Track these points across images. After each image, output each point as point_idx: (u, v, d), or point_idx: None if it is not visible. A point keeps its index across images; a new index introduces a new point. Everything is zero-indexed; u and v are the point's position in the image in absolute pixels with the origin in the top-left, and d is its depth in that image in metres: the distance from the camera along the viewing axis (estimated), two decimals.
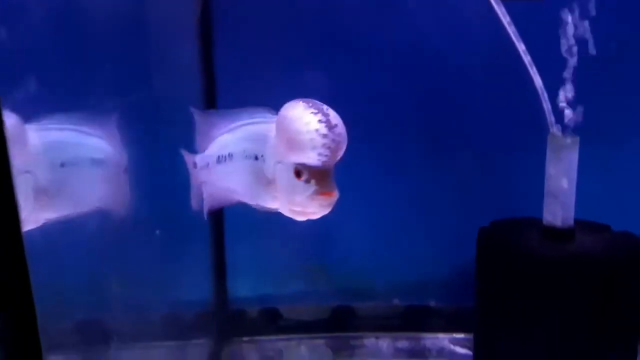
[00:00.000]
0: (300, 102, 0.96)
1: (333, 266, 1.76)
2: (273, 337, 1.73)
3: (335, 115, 0.96)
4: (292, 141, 0.95)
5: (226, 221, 1.71)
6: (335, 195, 0.96)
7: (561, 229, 1.33)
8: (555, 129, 1.32)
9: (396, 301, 1.79)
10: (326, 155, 0.93)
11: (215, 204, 1.15)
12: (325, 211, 0.98)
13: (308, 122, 0.92)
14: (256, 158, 1.02)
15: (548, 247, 1.33)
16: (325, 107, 0.97)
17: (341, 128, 0.95)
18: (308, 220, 1.75)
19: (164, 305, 1.62)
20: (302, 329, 1.74)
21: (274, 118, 1.01)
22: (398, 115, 1.65)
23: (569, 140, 1.31)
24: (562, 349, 1.32)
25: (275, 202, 1.03)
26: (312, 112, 0.93)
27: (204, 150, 1.15)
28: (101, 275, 1.59)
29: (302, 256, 1.71)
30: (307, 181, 0.94)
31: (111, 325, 1.58)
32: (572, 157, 1.32)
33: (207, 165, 1.13)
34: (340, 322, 1.76)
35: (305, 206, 0.96)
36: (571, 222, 1.34)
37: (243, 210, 1.67)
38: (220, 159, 1.10)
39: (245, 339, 1.71)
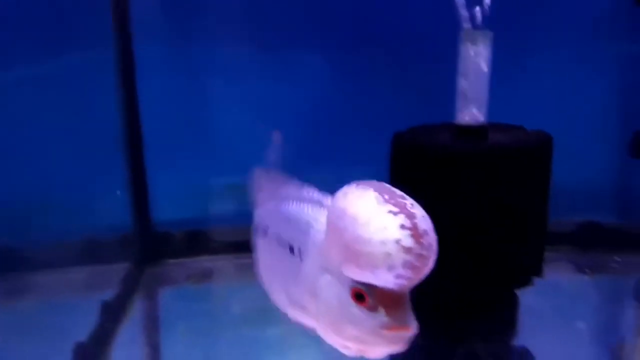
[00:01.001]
0: (371, 191, 0.66)
1: None
2: (200, 258, 1.73)
3: (423, 215, 0.66)
4: (354, 251, 0.63)
5: (145, 142, 1.69)
6: (412, 331, 0.66)
7: (475, 126, 1.35)
8: (467, 25, 1.32)
9: None
10: (407, 278, 0.63)
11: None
12: (395, 350, 0.67)
13: (384, 227, 0.62)
14: (291, 250, 0.74)
15: (461, 144, 1.34)
16: (407, 200, 0.67)
17: (432, 236, 0.65)
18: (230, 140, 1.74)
19: (83, 230, 1.61)
20: (230, 250, 1.74)
21: (324, 200, 0.74)
22: (308, 23, 1.64)
23: (481, 35, 1.31)
24: (474, 241, 1.35)
25: (313, 321, 0.72)
26: (390, 211, 0.63)
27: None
28: (18, 202, 1.57)
29: (226, 176, 1.71)
30: (372, 309, 0.64)
31: (29, 252, 1.56)
32: (484, 52, 1.33)
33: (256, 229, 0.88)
34: None
35: (365, 342, 0.66)
36: (484, 119, 1.37)
37: (162, 129, 1.69)
38: (260, 231, 0.84)
39: (171, 261, 1.71)
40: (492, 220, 1.34)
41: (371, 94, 1.65)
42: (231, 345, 1.36)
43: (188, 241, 1.75)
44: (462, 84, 1.35)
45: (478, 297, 1.38)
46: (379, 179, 0.81)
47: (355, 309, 0.65)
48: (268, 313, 1.49)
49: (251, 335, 1.38)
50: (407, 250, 0.62)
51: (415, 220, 0.63)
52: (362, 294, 0.64)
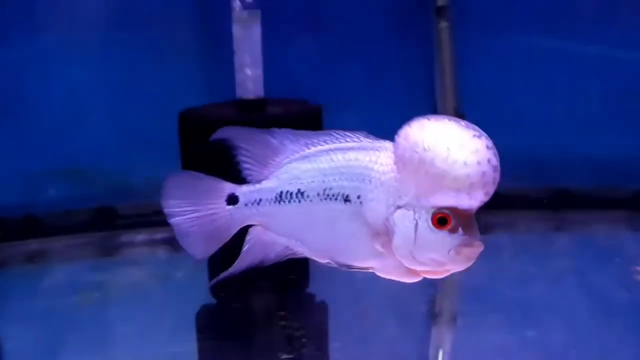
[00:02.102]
0: (448, 120, 0.72)
1: (89, 168, 1.87)
2: (33, 241, 1.82)
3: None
4: (444, 177, 0.70)
5: None
6: (482, 247, 0.74)
7: (253, 100, 1.52)
8: (236, 4, 1.46)
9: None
10: (489, 194, 0.71)
11: (265, 257, 0.85)
12: (467, 266, 0.75)
13: (477, 150, 0.69)
14: (347, 200, 0.78)
15: (240, 115, 1.51)
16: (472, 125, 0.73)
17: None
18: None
19: None
20: (64, 232, 1.84)
21: (377, 144, 0.78)
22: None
23: (247, 14, 1.46)
24: None
25: (373, 261, 0.79)
26: (475, 135, 0.70)
27: (256, 181, 0.85)
28: None
29: (56, 160, 1.82)
30: (454, 230, 0.72)
31: None
32: (255, 31, 1.48)
33: (258, 202, 0.83)
34: (102, 222, 1.88)
35: (444, 264, 0.74)
36: (261, 93, 1.53)
37: None
38: (283, 197, 0.82)
39: (2, 244, 1.79)
40: None
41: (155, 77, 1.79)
42: (68, 323, 1.43)
43: (20, 224, 1.84)
44: (238, 61, 1.51)
45: None
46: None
47: (438, 233, 0.72)
48: (104, 290, 1.60)
49: (88, 312, 1.47)
50: (495, 168, 0.70)
51: (491, 142, 0.71)
52: (446, 218, 0.72)
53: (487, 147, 0.69)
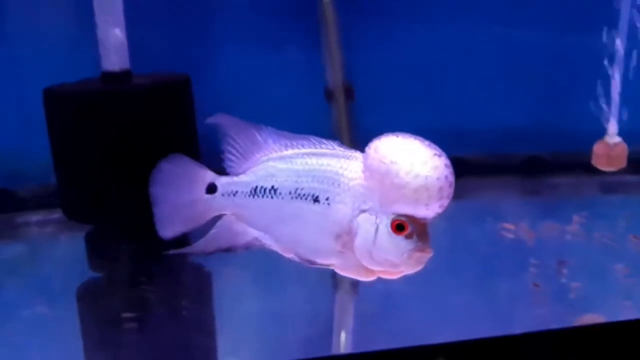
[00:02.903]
0: (414, 139, 0.81)
1: None
2: None
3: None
4: (406, 188, 0.79)
5: None
6: (432, 253, 0.82)
7: (118, 72, 1.56)
8: None
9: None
10: (443, 207, 0.80)
11: (234, 244, 0.91)
12: (418, 269, 0.83)
13: (436, 167, 0.78)
14: (316, 200, 0.85)
15: (104, 87, 1.55)
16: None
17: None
18: None
19: None
20: None
21: (349, 153, 0.86)
22: None
23: None
24: (133, 172, 1.54)
25: (334, 258, 0.86)
26: (435, 154, 0.79)
27: (234, 173, 0.91)
28: None
29: None
30: (409, 236, 0.81)
31: None
32: (117, 4, 1.52)
33: (234, 194, 0.90)
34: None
35: (399, 266, 0.82)
36: (126, 65, 1.57)
37: None
38: (257, 192, 0.89)
39: None
40: (144, 151, 1.52)
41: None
42: None
43: None
44: (101, 34, 1.55)
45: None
46: None
47: (395, 238, 0.80)
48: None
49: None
50: (451, 185, 0.78)
51: (448, 160, 0.80)
52: (403, 225, 0.80)
53: (446, 165, 0.78)
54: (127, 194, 1.56)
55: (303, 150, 0.87)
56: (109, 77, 1.54)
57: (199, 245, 0.91)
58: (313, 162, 0.86)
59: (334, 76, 1.94)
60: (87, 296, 1.46)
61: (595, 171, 1.94)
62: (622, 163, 1.57)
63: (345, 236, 0.83)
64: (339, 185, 0.84)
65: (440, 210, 0.80)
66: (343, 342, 1.29)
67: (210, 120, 0.92)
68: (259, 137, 0.89)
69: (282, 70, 1.94)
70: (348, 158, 0.85)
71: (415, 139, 0.81)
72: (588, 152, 1.76)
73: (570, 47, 1.96)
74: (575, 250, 1.48)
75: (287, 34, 1.94)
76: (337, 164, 0.85)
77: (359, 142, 2.06)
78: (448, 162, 0.79)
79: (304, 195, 0.86)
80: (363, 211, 0.83)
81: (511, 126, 2.03)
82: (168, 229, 0.93)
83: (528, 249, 1.48)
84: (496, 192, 1.98)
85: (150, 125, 1.55)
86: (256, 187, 0.89)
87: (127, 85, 1.54)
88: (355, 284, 1.50)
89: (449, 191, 0.79)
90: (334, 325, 1.36)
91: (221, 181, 0.91)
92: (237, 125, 0.90)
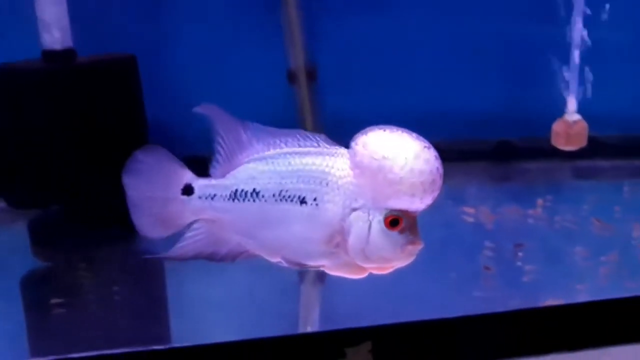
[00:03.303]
0: (401, 132, 0.78)
1: None
2: None
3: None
4: (401, 183, 0.77)
5: None
6: (422, 244, 0.80)
7: (59, 51, 1.50)
8: None
9: None
10: (434, 199, 0.78)
11: (216, 252, 0.86)
12: (409, 261, 0.81)
13: (428, 160, 0.76)
14: (303, 202, 0.82)
15: (46, 66, 1.49)
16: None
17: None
18: None
19: None
20: None
21: (334, 149, 0.82)
22: None
23: None
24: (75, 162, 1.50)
25: (324, 260, 0.83)
26: (425, 147, 0.77)
27: (215, 176, 0.86)
28: None
29: None
30: (402, 231, 0.79)
31: None
32: None
33: (212, 197, 0.85)
34: None
35: (392, 260, 0.80)
36: (69, 44, 1.51)
37: None
38: (237, 195, 0.84)
39: None
40: (88, 133, 1.50)
41: None
42: None
43: None
44: (43, 13, 1.49)
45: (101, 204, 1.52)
46: None
47: (389, 234, 0.77)
48: None
49: None
50: (441, 176, 0.76)
51: (436, 152, 0.77)
52: (398, 220, 0.77)
53: (435, 157, 0.76)
54: (71, 176, 1.52)
55: (286, 150, 0.82)
56: (51, 55, 1.48)
57: (175, 251, 0.84)
58: (297, 161, 0.82)
59: (296, 58, 1.89)
60: (27, 283, 1.41)
61: (568, 156, 1.89)
62: (582, 142, 1.50)
63: (338, 236, 0.80)
64: (327, 184, 0.81)
65: (431, 202, 0.77)
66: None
67: (198, 109, 0.83)
68: (244, 136, 0.83)
69: (242, 51, 1.89)
70: (333, 155, 0.81)
71: (403, 131, 0.78)
72: None
73: (538, 31, 1.92)
74: (534, 234, 1.42)
75: (246, 13, 1.89)
76: (323, 162, 0.81)
77: (323, 125, 2.03)
78: (437, 153, 0.77)
79: (289, 197, 0.81)
80: (354, 209, 0.80)
81: (481, 111, 1.98)
82: (144, 227, 0.85)
83: (486, 232, 1.42)
84: (464, 177, 1.91)
85: (94, 106, 1.49)
86: (236, 190, 0.83)
87: (69, 64, 1.48)
88: (322, 274, 1.45)
89: (440, 182, 0.77)
90: (300, 314, 1.31)
91: (199, 183, 0.83)
92: (225, 120, 0.84)
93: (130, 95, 1.53)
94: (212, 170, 0.84)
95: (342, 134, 1.94)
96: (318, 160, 0.81)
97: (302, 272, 1.44)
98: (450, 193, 1.84)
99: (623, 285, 1.18)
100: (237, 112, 2.15)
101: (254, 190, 0.83)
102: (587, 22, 1.72)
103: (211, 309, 1.27)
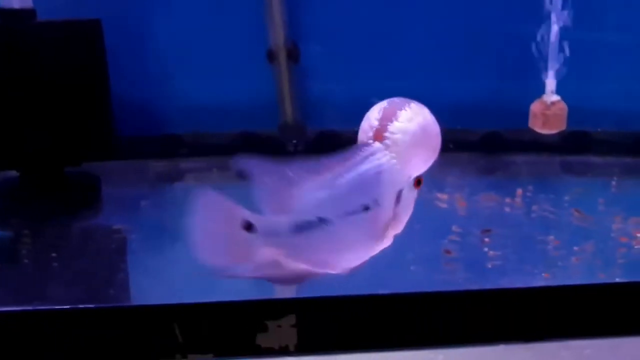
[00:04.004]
0: (409, 101, 0.83)
1: None
2: None
3: None
4: (435, 150, 0.83)
5: None
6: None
7: (18, 9, 1.43)
8: None
9: None
10: None
11: (295, 281, 0.87)
12: None
13: (435, 122, 0.82)
14: (367, 208, 0.82)
15: (4, 24, 1.43)
16: None
17: None
18: None
19: None
20: None
21: (371, 148, 0.83)
22: None
23: None
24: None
25: (388, 241, 0.86)
26: (429, 111, 0.83)
27: (271, 212, 0.84)
28: None
29: None
30: (417, 186, 0.85)
31: None
32: None
33: (276, 233, 0.83)
34: None
35: (405, 219, 0.85)
36: (29, 4, 1.44)
37: None
38: (301, 226, 0.83)
39: None
40: (48, 98, 1.44)
41: None
42: None
43: None
44: None
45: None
46: None
47: (414, 192, 0.83)
48: None
49: None
50: None
51: None
52: (420, 179, 0.83)
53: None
54: (27, 142, 1.45)
55: (337, 169, 0.81)
56: (7, 14, 1.41)
57: (242, 271, 0.83)
58: (350, 177, 0.81)
59: (276, 35, 1.81)
60: None
61: (558, 151, 1.80)
62: (561, 125, 1.41)
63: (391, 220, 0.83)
64: (381, 184, 0.82)
65: None
66: None
67: (237, 167, 0.79)
68: (290, 174, 0.81)
69: (220, 28, 1.82)
70: (375, 152, 0.82)
71: (406, 100, 0.82)
72: None
73: (527, 20, 1.83)
74: (507, 221, 1.33)
75: None
76: (371, 166, 0.82)
77: (303, 108, 1.96)
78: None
79: (353, 211, 0.81)
80: (401, 189, 0.82)
81: (468, 101, 1.89)
82: (216, 260, 0.82)
83: (456, 217, 1.34)
84: (446, 168, 1.83)
85: (52, 70, 1.42)
86: (299, 221, 0.81)
87: (30, 22, 1.42)
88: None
89: None
90: None
91: (258, 219, 0.81)
92: (265, 167, 0.81)
93: (92, 62, 1.46)
94: (263, 209, 0.81)
95: (324, 118, 1.85)
96: (367, 166, 0.81)
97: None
98: (427, 181, 1.77)
99: (594, 276, 1.09)
100: (214, 89, 2.06)
101: (318, 218, 0.81)
102: (580, 18, 1.64)
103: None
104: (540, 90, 1.70)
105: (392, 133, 0.81)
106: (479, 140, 1.88)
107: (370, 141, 0.82)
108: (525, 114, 1.83)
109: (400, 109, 0.81)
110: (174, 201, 1.55)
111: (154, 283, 1.07)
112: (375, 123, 0.81)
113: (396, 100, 0.82)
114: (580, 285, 0.84)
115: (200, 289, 1.02)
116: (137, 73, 1.73)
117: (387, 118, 0.81)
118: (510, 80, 1.89)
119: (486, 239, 1.21)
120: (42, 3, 1.50)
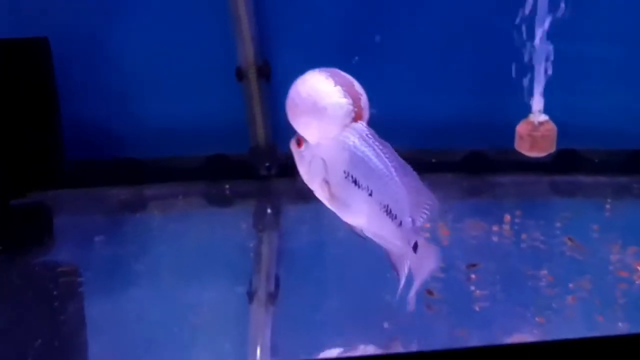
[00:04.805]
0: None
1: None
2: None
3: None
4: None
5: None
6: None
7: None
8: None
9: None
10: None
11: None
12: None
13: None
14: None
15: None
16: None
17: None
18: None
19: None
20: None
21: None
22: None
23: None
24: None
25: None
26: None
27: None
28: None
29: None
30: None
31: None
32: None
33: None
34: None
35: None
36: None
37: None
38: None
39: None
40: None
41: None
42: None
43: None
44: None
45: None
46: None
47: None
48: None
49: None
50: None
51: None
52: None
53: None
54: None
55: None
56: None
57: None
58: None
59: (245, 51, 1.70)
60: None
61: (545, 170, 1.70)
62: (550, 147, 1.30)
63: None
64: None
65: None
66: None
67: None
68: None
69: (185, 43, 1.70)
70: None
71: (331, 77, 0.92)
72: None
73: (513, 35, 1.74)
74: (494, 253, 1.22)
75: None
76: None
77: (274, 126, 1.85)
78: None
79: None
80: None
81: (451, 120, 1.79)
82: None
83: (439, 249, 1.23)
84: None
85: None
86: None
87: None
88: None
89: None
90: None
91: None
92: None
93: (38, 81, 1.36)
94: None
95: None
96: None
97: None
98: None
99: (592, 320, 0.98)
100: (178, 109, 1.91)
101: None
102: (568, 34, 1.55)
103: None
104: (525, 107, 1.60)
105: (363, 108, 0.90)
106: (461, 161, 1.79)
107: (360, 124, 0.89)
108: (510, 132, 1.74)
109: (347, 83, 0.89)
110: (134, 235, 1.43)
111: (105, 341, 0.95)
112: (351, 107, 0.88)
113: (335, 77, 0.90)
114: (579, 339, 0.73)
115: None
116: (93, 92, 1.60)
117: (354, 98, 0.88)
118: (494, 97, 1.81)
119: (472, 275, 1.10)
120: None
